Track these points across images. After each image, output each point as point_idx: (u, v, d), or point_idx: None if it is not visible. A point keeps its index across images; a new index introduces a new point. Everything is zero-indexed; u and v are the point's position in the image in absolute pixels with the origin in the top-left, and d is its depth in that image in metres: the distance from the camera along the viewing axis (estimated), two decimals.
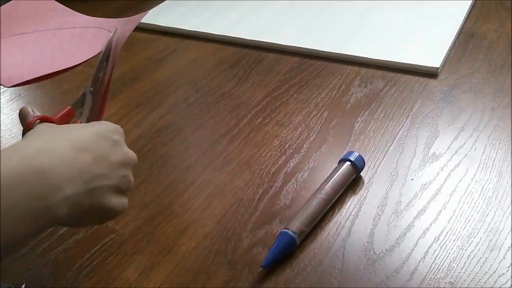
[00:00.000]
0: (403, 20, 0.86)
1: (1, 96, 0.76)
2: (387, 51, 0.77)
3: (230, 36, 0.85)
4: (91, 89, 0.49)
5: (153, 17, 0.93)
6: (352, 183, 0.55)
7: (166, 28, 0.90)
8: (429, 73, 0.73)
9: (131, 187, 0.44)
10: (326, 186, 0.52)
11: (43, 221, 0.37)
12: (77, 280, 0.47)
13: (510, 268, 0.45)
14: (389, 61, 0.75)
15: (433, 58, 0.75)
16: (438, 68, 0.73)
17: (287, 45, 0.81)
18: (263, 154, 0.61)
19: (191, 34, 0.88)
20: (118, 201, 0.42)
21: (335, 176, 0.53)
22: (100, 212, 0.41)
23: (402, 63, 0.75)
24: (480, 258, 0.47)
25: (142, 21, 0.92)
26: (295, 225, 0.48)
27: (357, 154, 0.55)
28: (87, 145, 0.40)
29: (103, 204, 0.41)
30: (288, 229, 0.48)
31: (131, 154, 0.44)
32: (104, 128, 0.43)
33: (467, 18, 0.87)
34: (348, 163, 0.54)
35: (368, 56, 0.77)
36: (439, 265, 0.46)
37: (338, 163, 0.55)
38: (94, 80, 0.50)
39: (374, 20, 0.86)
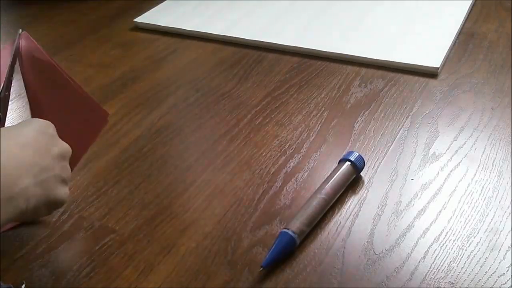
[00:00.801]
0: (403, 20, 0.86)
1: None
2: (387, 51, 0.77)
3: (230, 36, 0.85)
4: (6, 93, 0.51)
5: (153, 17, 0.93)
6: (352, 183, 0.55)
7: (166, 28, 0.90)
8: (429, 73, 0.73)
9: (70, 177, 0.48)
10: (326, 186, 0.52)
11: (9, 213, 0.40)
12: (77, 280, 0.47)
13: (510, 268, 0.45)
14: (389, 61, 0.75)
15: (433, 58, 0.75)
16: (438, 68, 0.73)
17: (287, 45, 0.81)
18: (263, 154, 0.61)
19: (191, 34, 0.88)
20: (63, 190, 0.46)
21: (335, 176, 0.53)
22: (50, 203, 0.45)
23: (402, 63, 0.75)
24: (480, 258, 0.47)
25: (142, 21, 0.92)
26: (295, 225, 0.48)
27: (357, 154, 0.55)
28: (28, 140, 0.43)
29: (52, 195, 0.44)
30: (288, 229, 0.48)
31: (66, 146, 0.48)
32: (40, 124, 0.46)
33: (467, 18, 0.87)
34: (348, 163, 0.54)
35: (368, 56, 0.77)
36: (439, 265, 0.46)
37: (338, 163, 0.55)
38: (8, 83, 0.51)
39: (374, 20, 0.86)
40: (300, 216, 0.49)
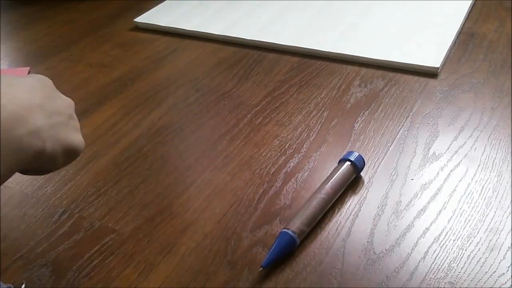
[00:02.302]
0: (403, 20, 0.86)
1: None
2: (387, 51, 0.77)
3: (230, 36, 0.85)
4: None
5: (153, 17, 0.93)
6: (352, 183, 0.55)
7: (166, 28, 0.90)
8: (429, 73, 0.73)
9: (79, 128, 0.45)
10: (326, 186, 0.52)
11: (21, 154, 0.37)
12: (77, 280, 0.47)
13: (510, 268, 0.45)
14: (389, 61, 0.75)
15: (433, 58, 0.75)
16: (438, 68, 0.73)
17: (287, 45, 0.81)
18: (263, 154, 0.61)
19: (191, 34, 0.88)
20: (78, 137, 0.44)
21: (335, 176, 0.53)
22: (66, 148, 0.42)
23: (402, 63, 0.75)
24: (480, 258, 0.47)
25: (142, 21, 0.92)
26: (295, 225, 0.48)
27: (357, 154, 0.55)
28: (33, 88, 0.41)
29: (69, 139, 0.42)
30: (288, 229, 0.48)
31: (69, 99, 0.46)
32: (41, 77, 0.44)
33: (467, 18, 0.87)
34: (348, 163, 0.54)
35: (368, 56, 0.77)
36: (439, 265, 0.46)
37: (338, 163, 0.55)
38: None
39: (374, 20, 0.86)
40: (300, 216, 0.49)
